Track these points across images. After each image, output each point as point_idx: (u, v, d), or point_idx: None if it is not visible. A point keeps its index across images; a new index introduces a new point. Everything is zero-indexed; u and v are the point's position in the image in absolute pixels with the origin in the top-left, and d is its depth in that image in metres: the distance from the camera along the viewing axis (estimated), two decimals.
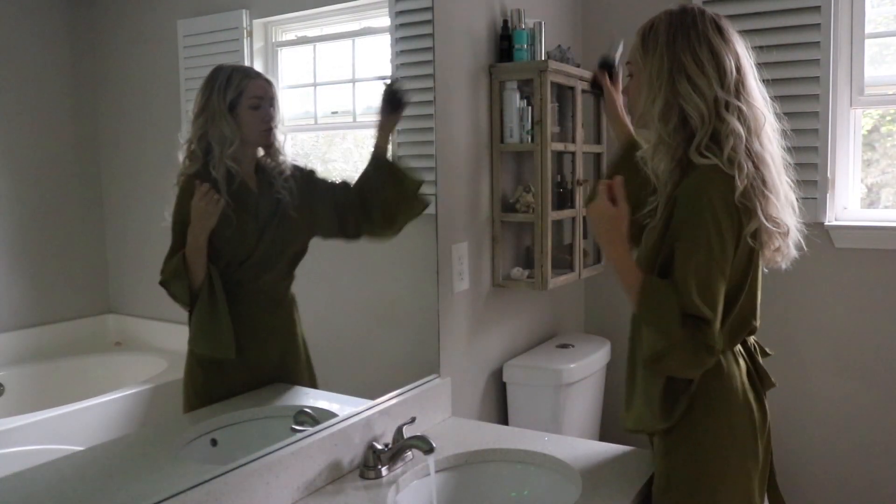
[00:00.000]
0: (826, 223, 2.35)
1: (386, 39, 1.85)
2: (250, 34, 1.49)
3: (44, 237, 1.18)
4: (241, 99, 1.41)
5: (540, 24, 2.23)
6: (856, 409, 2.39)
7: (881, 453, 2.37)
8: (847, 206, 2.41)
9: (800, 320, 2.44)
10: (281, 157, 1.52)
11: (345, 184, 1.70)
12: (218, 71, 1.40)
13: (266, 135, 1.48)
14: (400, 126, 1.89)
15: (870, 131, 2.44)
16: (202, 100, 1.37)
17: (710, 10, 1.39)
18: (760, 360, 1.54)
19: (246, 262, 1.46)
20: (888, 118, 2.42)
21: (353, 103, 1.81)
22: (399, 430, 1.68)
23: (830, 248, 2.37)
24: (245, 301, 1.46)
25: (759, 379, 1.50)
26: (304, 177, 1.58)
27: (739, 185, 1.34)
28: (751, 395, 1.46)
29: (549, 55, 2.27)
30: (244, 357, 1.45)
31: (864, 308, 2.36)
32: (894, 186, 2.43)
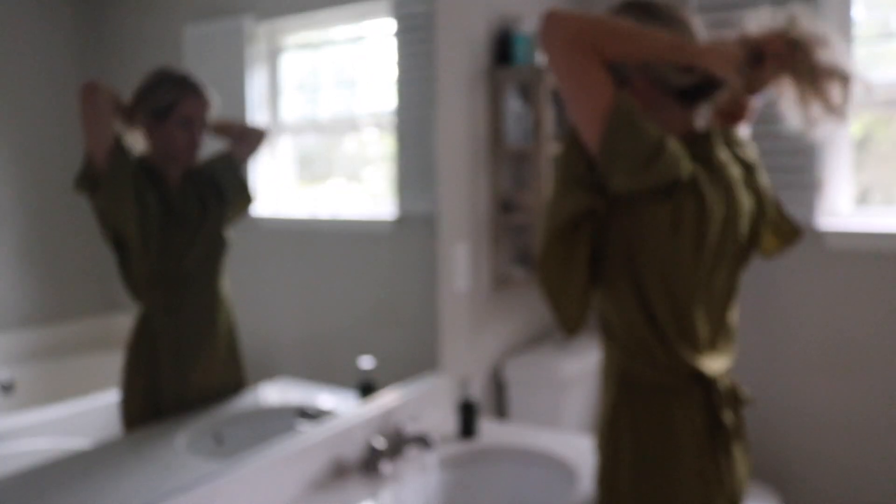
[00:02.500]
0: (817, 227, 2.37)
1: (387, 43, 1.87)
2: (254, 38, 1.51)
3: (54, 235, 1.20)
4: (171, 113, 1.35)
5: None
6: (850, 412, 2.41)
7: (877, 458, 2.38)
8: (838, 210, 2.42)
9: (790, 323, 2.45)
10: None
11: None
12: (156, 75, 1.33)
13: (191, 156, 1.41)
14: (402, 128, 1.92)
15: (861, 136, 2.46)
16: (136, 98, 1.30)
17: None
18: (729, 413, 1.24)
19: (173, 276, 1.37)
20: (880, 122, 2.45)
21: (355, 107, 1.83)
22: (400, 428, 1.70)
23: (821, 251, 2.39)
24: (180, 328, 1.39)
25: (724, 431, 1.22)
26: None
27: None
28: (705, 457, 1.21)
29: None
30: (185, 386, 1.40)
31: (854, 311, 2.37)
32: (886, 190, 2.45)
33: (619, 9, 1.26)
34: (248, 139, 1.51)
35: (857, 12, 2.35)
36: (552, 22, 1.17)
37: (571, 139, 1.22)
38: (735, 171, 1.25)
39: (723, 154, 1.25)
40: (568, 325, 1.24)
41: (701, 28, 1.27)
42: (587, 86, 1.16)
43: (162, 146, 1.35)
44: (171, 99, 1.35)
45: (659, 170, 1.13)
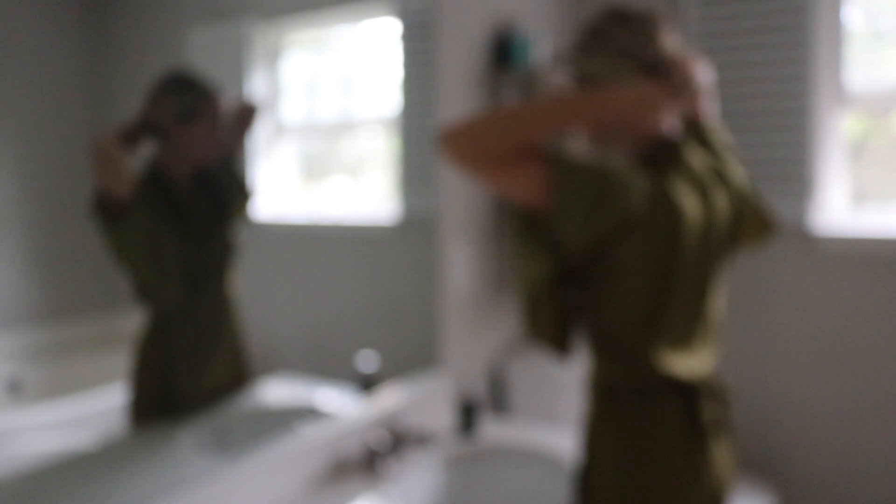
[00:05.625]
0: (811, 230, 2.38)
1: (389, 44, 1.89)
2: (255, 40, 1.52)
3: (59, 232, 1.21)
4: (197, 116, 1.37)
5: (539, 31, 2.27)
6: (847, 413, 2.43)
7: (872, 455, 2.40)
8: (833, 213, 2.43)
9: (785, 326, 2.47)
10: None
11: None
12: (173, 78, 1.34)
13: (210, 153, 1.42)
14: (403, 129, 1.93)
15: (856, 138, 2.48)
16: (150, 104, 1.30)
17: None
18: (709, 411, 1.25)
19: (187, 280, 1.37)
20: (875, 125, 2.46)
21: (357, 108, 1.84)
22: (400, 428, 1.71)
23: (816, 254, 2.40)
24: (194, 329, 1.40)
25: (701, 430, 1.23)
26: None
27: None
28: (680, 455, 1.22)
29: (547, 62, 2.31)
30: (196, 385, 1.40)
31: (849, 314, 2.38)
32: (880, 193, 2.46)
33: (596, 22, 1.29)
34: (245, 115, 1.51)
35: (850, 15, 2.37)
36: (447, 145, 1.18)
37: (519, 215, 1.26)
38: (709, 174, 1.28)
39: (696, 160, 1.27)
40: (559, 355, 1.27)
41: (677, 39, 1.30)
42: (516, 180, 1.19)
43: (184, 149, 1.36)
44: (196, 101, 1.36)
45: (612, 204, 1.14)
